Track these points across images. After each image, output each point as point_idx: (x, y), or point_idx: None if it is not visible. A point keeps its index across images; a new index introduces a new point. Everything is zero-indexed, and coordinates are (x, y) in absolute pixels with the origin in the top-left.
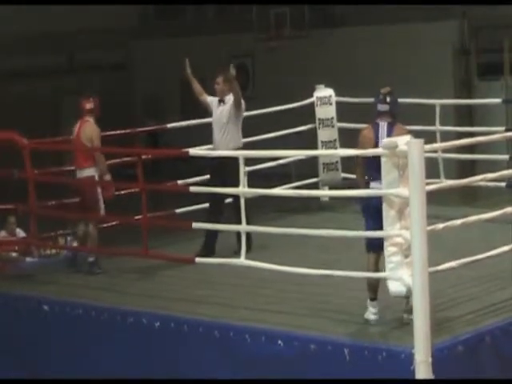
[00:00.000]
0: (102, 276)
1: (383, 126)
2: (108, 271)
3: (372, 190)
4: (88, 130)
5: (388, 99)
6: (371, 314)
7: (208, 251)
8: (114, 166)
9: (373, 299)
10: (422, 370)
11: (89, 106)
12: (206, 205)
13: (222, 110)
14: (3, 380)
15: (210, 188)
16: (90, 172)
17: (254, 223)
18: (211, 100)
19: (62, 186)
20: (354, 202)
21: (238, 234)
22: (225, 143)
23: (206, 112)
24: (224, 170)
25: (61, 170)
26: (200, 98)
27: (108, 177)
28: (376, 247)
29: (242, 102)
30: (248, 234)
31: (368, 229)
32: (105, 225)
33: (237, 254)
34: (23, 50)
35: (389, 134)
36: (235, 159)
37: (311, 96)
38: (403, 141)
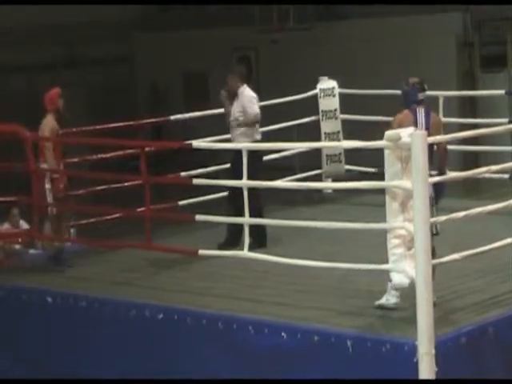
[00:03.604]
0: (104, 268)
1: (421, 111)
2: (111, 264)
3: (376, 182)
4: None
5: (426, 87)
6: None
7: (231, 243)
8: (117, 158)
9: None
10: (426, 362)
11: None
12: (209, 197)
13: (235, 105)
14: (3, 380)
15: (211, 181)
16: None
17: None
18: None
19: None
20: None
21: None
22: (236, 138)
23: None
24: (233, 163)
25: (64, 161)
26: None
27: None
28: None
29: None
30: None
31: None
32: (108, 217)
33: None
34: (23, 43)
35: (427, 120)
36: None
37: (314, 88)
38: (406, 133)
